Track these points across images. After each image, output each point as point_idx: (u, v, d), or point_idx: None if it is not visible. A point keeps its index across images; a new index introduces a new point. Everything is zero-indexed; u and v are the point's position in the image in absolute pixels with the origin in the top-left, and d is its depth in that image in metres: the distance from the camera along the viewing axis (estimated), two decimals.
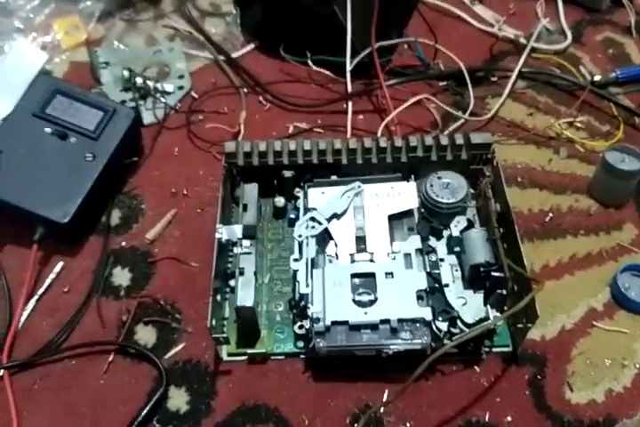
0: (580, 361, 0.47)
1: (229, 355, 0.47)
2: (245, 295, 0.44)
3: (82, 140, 0.55)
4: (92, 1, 0.72)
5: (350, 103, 0.62)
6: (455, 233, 0.47)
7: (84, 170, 0.53)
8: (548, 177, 0.58)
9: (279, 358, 0.47)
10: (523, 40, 0.69)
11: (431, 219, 0.48)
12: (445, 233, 0.47)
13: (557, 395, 0.46)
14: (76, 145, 0.54)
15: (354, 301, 0.44)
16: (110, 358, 0.47)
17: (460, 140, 0.51)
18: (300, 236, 0.47)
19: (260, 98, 0.65)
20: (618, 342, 0.48)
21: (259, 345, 0.47)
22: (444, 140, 0.51)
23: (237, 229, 0.48)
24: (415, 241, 0.47)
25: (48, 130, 0.54)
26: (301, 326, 0.45)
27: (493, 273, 0.43)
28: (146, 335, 0.49)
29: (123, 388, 0.46)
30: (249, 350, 0.46)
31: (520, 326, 0.44)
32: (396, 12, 0.70)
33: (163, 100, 0.63)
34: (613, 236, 0.54)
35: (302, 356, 0.47)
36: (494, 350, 0.47)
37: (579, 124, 0.62)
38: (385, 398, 0.45)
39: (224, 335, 0.44)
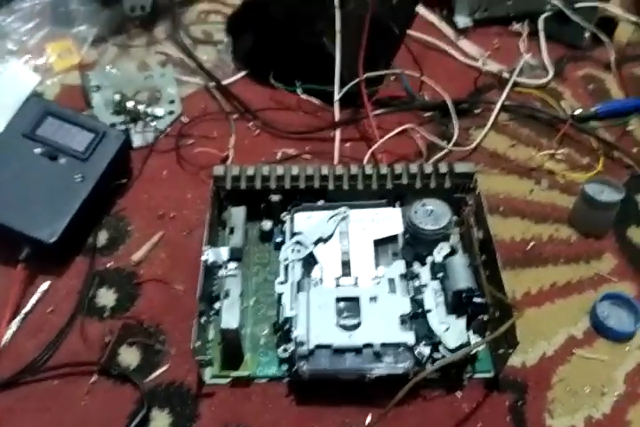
0: (560, 388, 0.48)
1: (213, 377, 0.46)
2: (230, 317, 0.45)
3: (71, 162, 0.55)
4: (85, 25, 0.73)
5: (338, 131, 0.64)
6: (438, 259, 0.48)
7: (72, 191, 0.54)
8: (529, 207, 0.59)
9: (262, 381, 0.47)
10: (506, 74, 0.71)
11: (415, 245, 0.49)
12: (429, 259, 0.48)
13: (538, 421, 0.46)
14: (65, 166, 0.55)
15: (338, 324, 0.44)
16: (93, 379, 0.47)
17: (443, 168, 0.52)
18: (285, 259, 0.47)
19: (250, 124, 0.66)
20: (597, 370, 0.49)
21: (242, 368, 0.47)
22: (428, 169, 0.52)
23: (224, 252, 0.48)
24: (399, 266, 0.47)
25: (38, 150, 0.55)
26: (285, 350, 0.45)
27: (475, 299, 0.44)
28: (129, 357, 0.48)
29: (104, 409, 0.46)
30: (232, 373, 0.46)
31: (501, 351, 0.45)
32: (383, 45, 0.72)
33: (153, 123, 0.64)
34: (593, 265, 0.55)
35: (286, 379, 0.47)
36: (476, 375, 0.47)
37: (559, 157, 0.64)
38: (367, 422, 0.45)
39: (207, 357, 0.44)
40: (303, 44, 0.66)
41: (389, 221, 0.50)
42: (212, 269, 0.48)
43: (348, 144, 0.64)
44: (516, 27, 0.77)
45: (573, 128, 0.66)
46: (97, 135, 0.56)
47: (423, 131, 0.64)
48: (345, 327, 0.44)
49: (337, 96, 0.64)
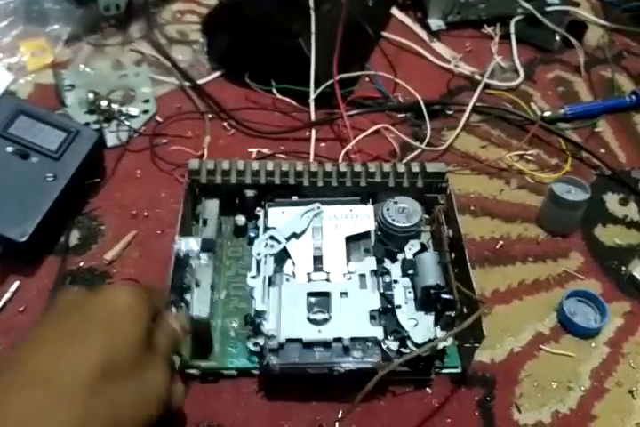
0: (527, 383, 0.49)
1: (181, 368, 0.46)
2: (201, 306, 0.45)
3: (43, 161, 0.55)
4: (59, 24, 0.73)
5: (314, 130, 0.64)
6: (409, 256, 0.48)
7: (44, 190, 0.53)
8: (499, 206, 0.60)
9: (232, 373, 0.47)
10: (478, 76, 0.72)
11: (386, 241, 0.49)
12: (400, 256, 0.49)
13: (506, 416, 0.47)
14: (37, 165, 0.55)
15: (308, 319, 0.44)
16: None
17: (415, 168, 0.53)
18: (258, 254, 0.48)
19: (225, 124, 0.66)
20: (564, 365, 0.50)
21: (211, 358, 0.47)
22: (401, 168, 0.53)
23: (196, 242, 0.48)
24: (370, 262, 0.48)
25: (10, 149, 0.55)
26: (256, 344, 0.45)
27: (443, 295, 0.44)
28: None
29: None
30: (202, 363, 0.46)
31: (468, 345, 0.46)
32: (358, 47, 0.73)
33: (127, 123, 0.64)
34: (560, 263, 0.56)
35: (255, 371, 0.47)
36: (444, 371, 0.48)
37: (529, 157, 0.65)
38: (338, 418, 0.45)
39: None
40: (278, 44, 0.67)
41: (362, 218, 0.50)
42: (183, 260, 0.48)
43: (323, 144, 0.65)
44: (488, 30, 0.79)
45: (543, 129, 0.67)
46: (69, 134, 0.56)
47: (397, 131, 0.64)
48: (315, 322, 0.44)
49: (312, 96, 0.65)
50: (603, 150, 0.66)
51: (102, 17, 0.74)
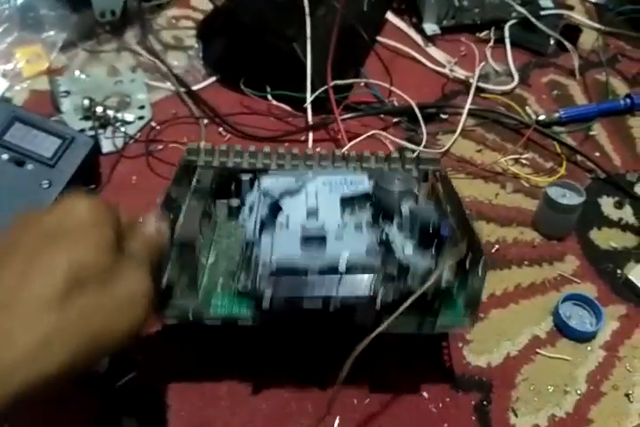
0: (524, 387, 0.49)
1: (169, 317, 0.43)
2: (188, 227, 0.43)
3: (39, 168, 0.55)
4: (55, 31, 0.73)
5: (311, 134, 0.65)
6: (405, 212, 0.44)
7: (39, 197, 0.53)
8: (494, 210, 0.60)
9: (216, 322, 0.44)
10: (472, 81, 0.72)
11: (381, 205, 0.46)
12: (395, 220, 0.45)
13: (502, 420, 0.47)
14: (32, 172, 0.55)
15: (303, 250, 0.42)
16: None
17: (409, 155, 0.53)
18: (251, 203, 0.46)
19: (220, 129, 0.66)
20: (560, 369, 0.50)
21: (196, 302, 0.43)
22: (395, 154, 0.53)
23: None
24: (366, 215, 0.45)
25: (5, 156, 0.55)
26: (245, 286, 0.43)
27: (442, 230, 0.42)
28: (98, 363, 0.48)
29: (73, 416, 0.45)
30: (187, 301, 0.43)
31: (472, 280, 0.43)
32: (353, 51, 0.73)
33: (122, 129, 0.64)
34: (556, 267, 0.56)
35: (242, 322, 0.44)
36: (450, 327, 0.45)
37: (524, 161, 0.65)
38: (336, 426, 0.45)
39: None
40: (273, 49, 0.67)
41: (356, 183, 0.48)
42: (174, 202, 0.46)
43: (318, 149, 0.64)
44: (482, 34, 0.79)
45: (537, 133, 0.67)
46: (65, 141, 0.56)
47: (393, 136, 0.64)
48: (310, 253, 0.42)
49: (309, 100, 0.65)
50: (597, 154, 0.67)
51: (97, 23, 0.74)
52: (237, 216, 0.52)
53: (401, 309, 0.40)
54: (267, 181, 0.48)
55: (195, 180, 0.50)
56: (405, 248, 0.42)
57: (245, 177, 0.51)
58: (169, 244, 0.40)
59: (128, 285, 0.33)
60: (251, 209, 0.46)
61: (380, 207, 0.45)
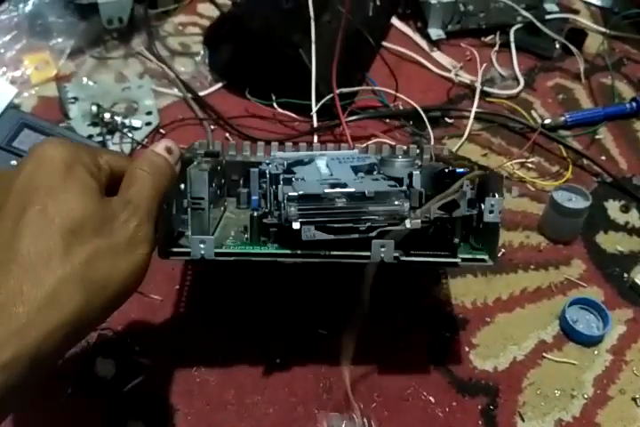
0: (530, 392, 0.49)
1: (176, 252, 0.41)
2: (202, 165, 0.42)
3: None
4: (62, 37, 0.73)
5: (315, 137, 0.65)
6: (416, 173, 0.42)
7: None
8: None
9: (228, 258, 0.41)
10: (478, 85, 0.72)
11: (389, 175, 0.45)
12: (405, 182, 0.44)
13: (509, 425, 0.47)
14: None
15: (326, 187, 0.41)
16: (69, 391, 0.47)
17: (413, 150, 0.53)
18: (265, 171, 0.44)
19: (227, 134, 0.67)
20: (567, 373, 0.50)
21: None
22: (399, 151, 0.53)
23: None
24: (379, 176, 0.44)
25: (14, 162, 0.55)
26: (270, 219, 0.41)
27: (457, 170, 0.42)
28: (105, 368, 0.48)
29: (81, 420, 0.46)
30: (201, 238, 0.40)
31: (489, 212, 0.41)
32: (359, 56, 0.73)
33: (130, 135, 0.65)
34: (562, 271, 0.56)
35: (256, 258, 0.41)
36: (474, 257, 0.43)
37: (530, 165, 0.65)
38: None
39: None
40: (279, 55, 0.68)
41: (363, 158, 0.47)
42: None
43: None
44: (487, 38, 0.79)
45: (543, 137, 0.67)
46: None
47: (398, 141, 0.65)
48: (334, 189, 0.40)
49: (314, 109, 0.65)
50: (603, 157, 0.67)
51: (105, 30, 0.74)
52: (247, 204, 0.50)
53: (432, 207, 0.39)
54: (277, 155, 0.47)
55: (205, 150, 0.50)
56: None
57: (254, 169, 0.51)
58: (177, 176, 0.39)
59: (125, 230, 0.32)
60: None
61: (388, 178, 0.44)
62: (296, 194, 0.39)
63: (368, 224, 0.39)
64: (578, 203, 0.57)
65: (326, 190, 0.39)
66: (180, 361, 0.49)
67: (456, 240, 0.42)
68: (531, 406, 0.48)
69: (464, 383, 0.49)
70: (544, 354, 0.51)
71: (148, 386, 0.48)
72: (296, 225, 0.38)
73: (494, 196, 0.41)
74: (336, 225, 0.39)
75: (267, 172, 0.43)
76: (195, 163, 0.43)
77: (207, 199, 0.42)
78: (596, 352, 0.51)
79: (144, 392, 0.47)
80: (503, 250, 0.57)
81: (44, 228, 0.30)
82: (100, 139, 0.63)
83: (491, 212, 0.41)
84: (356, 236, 0.39)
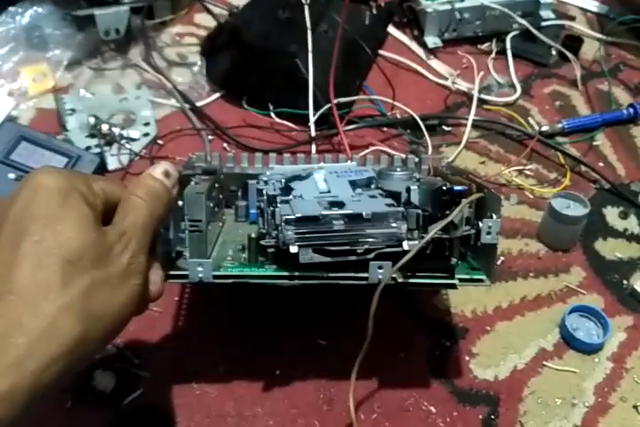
0: (531, 400, 0.48)
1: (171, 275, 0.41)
2: (198, 186, 0.42)
3: None
4: (60, 49, 0.74)
5: (314, 146, 0.65)
6: (414, 187, 0.42)
7: None
8: None
9: (226, 281, 0.41)
10: (475, 93, 0.72)
11: (386, 186, 0.46)
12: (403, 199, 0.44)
13: None
14: None
15: (323, 207, 0.41)
16: (69, 404, 0.47)
17: (412, 161, 0.53)
18: (261, 188, 0.45)
19: (225, 144, 0.67)
20: (567, 382, 0.50)
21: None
22: (398, 162, 0.53)
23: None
24: (377, 191, 0.45)
25: (12, 176, 0.55)
26: (267, 241, 0.41)
27: (455, 188, 0.41)
28: (105, 380, 0.48)
29: None
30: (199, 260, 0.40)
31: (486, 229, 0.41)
32: (355, 65, 0.74)
33: (128, 146, 0.65)
34: (561, 278, 0.56)
35: (253, 280, 0.41)
36: (470, 277, 0.43)
37: (528, 172, 0.65)
38: None
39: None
40: (277, 65, 0.68)
41: (361, 171, 0.48)
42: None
43: (322, 163, 0.65)
44: (484, 46, 0.80)
45: (541, 144, 0.68)
46: (71, 159, 0.57)
47: (395, 149, 0.65)
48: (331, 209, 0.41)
49: (312, 120, 0.65)
50: (601, 164, 0.67)
51: (102, 41, 0.75)
52: (245, 217, 0.51)
53: (436, 230, 0.39)
54: (274, 169, 0.48)
55: (204, 166, 0.50)
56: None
57: (252, 182, 0.51)
58: (176, 199, 0.38)
59: (120, 262, 0.32)
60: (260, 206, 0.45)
61: (386, 193, 0.45)
62: (293, 217, 0.39)
63: (366, 247, 0.40)
64: (576, 210, 0.57)
65: (324, 212, 0.39)
66: (179, 374, 0.48)
67: (454, 260, 0.42)
68: (532, 415, 0.48)
69: (465, 393, 0.48)
70: (544, 362, 0.51)
71: (148, 399, 0.47)
72: (293, 249, 0.39)
73: (492, 217, 0.41)
74: (334, 248, 0.39)
75: (264, 192, 0.43)
76: (192, 183, 0.43)
77: (205, 221, 0.42)
78: (596, 360, 0.51)
79: (144, 405, 0.47)
80: (502, 258, 0.57)
81: (42, 259, 0.30)
82: (98, 150, 0.63)
83: (488, 233, 0.41)
84: (354, 258, 0.40)
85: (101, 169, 0.60)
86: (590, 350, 0.51)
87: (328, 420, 0.47)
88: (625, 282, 0.56)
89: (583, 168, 0.66)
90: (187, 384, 0.48)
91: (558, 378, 0.50)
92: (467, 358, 0.50)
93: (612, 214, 0.62)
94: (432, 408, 0.48)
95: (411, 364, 0.50)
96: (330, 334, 0.50)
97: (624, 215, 0.62)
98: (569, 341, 0.52)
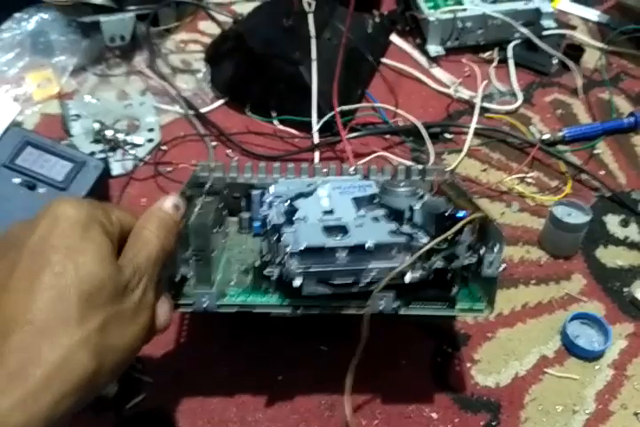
0: (532, 407, 0.49)
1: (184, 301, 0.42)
2: (202, 215, 0.42)
3: (50, 191, 0.56)
4: (65, 55, 0.74)
5: (317, 153, 0.66)
6: (417, 207, 0.44)
7: None
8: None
9: (230, 310, 0.42)
10: (477, 101, 0.73)
11: (390, 206, 0.46)
12: (406, 217, 0.45)
13: None
14: (44, 195, 0.56)
15: (327, 235, 0.41)
16: None
17: (416, 171, 0.53)
18: (265, 212, 0.45)
19: (229, 151, 0.67)
20: (568, 389, 0.50)
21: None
22: (402, 172, 0.53)
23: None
24: (380, 211, 0.45)
25: (17, 180, 0.56)
26: (271, 271, 0.42)
27: (458, 214, 0.42)
28: (107, 385, 0.49)
29: None
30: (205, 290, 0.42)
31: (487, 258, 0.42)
32: (358, 73, 0.74)
33: (132, 152, 0.65)
34: (562, 285, 0.57)
35: (258, 310, 0.42)
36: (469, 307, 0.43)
37: (529, 180, 0.66)
38: None
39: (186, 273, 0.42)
40: (280, 72, 0.68)
41: (365, 187, 0.48)
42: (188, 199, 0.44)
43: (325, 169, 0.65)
44: (486, 55, 0.80)
45: (542, 152, 0.68)
46: (75, 165, 0.57)
47: (398, 156, 0.65)
48: (334, 237, 0.41)
49: (316, 128, 0.66)
50: (602, 172, 0.67)
51: (107, 48, 0.75)
52: (248, 228, 0.51)
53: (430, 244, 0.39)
54: (277, 187, 0.48)
55: (207, 185, 0.50)
56: (422, 240, 0.42)
57: (255, 192, 0.52)
58: (183, 229, 0.39)
59: (132, 298, 0.33)
60: (264, 220, 0.46)
61: (389, 210, 0.45)
62: (297, 250, 0.39)
63: (368, 280, 0.40)
64: (577, 218, 0.57)
65: (327, 245, 0.40)
66: (182, 379, 0.49)
67: (454, 290, 0.43)
68: (532, 422, 0.48)
69: (466, 400, 0.49)
70: (545, 369, 0.51)
71: (151, 404, 0.48)
72: (297, 282, 0.39)
73: (493, 249, 0.41)
74: (337, 282, 0.40)
75: (268, 221, 0.43)
76: (196, 209, 0.43)
77: (210, 249, 0.42)
78: (597, 367, 0.51)
79: (146, 410, 0.47)
80: (504, 265, 0.57)
81: (62, 291, 0.30)
82: (103, 156, 0.64)
83: (489, 266, 0.41)
84: (357, 290, 0.41)
85: (106, 174, 0.60)
86: (591, 357, 0.51)
87: (330, 426, 0.47)
88: (626, 289, 0.57)
89: (584, 176, 0.66)
90: (189, 390, 0.48)
91: (559, 385, 0.50)
92: (468, 364, 0.51)
93: (612, 222, 0.62)
94: (433, 415, 0.48)
95: (412, 370, 0.50)
96: (331, 341, 0.51)
97: (625, 223, 0.62)
98: (570, 348, 0.52)
